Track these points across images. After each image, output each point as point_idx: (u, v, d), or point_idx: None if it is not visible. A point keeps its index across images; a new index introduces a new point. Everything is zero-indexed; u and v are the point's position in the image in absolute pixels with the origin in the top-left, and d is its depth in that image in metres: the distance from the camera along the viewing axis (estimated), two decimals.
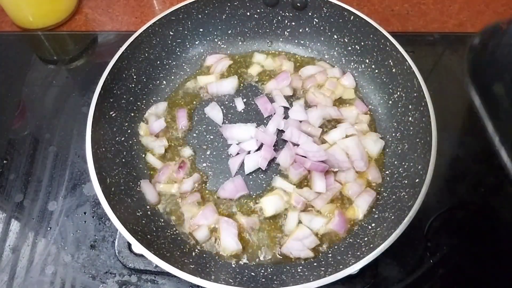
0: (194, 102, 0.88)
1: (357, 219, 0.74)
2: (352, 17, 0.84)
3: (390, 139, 0.82)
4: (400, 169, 0.76)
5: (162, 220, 0.75)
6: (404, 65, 0.77)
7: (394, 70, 0.81)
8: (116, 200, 0.69)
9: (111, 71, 0.77)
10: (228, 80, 0.89)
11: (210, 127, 0.86)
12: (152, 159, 0.81)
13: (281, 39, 0.95)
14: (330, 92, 0.87)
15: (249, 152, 0.81)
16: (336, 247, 0.72)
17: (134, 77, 0.84)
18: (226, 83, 0.89)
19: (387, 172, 0.79)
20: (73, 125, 0.90)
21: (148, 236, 0.68)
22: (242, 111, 0.87)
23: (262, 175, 0.80)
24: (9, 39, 1.06)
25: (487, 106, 0.79)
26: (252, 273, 0.69)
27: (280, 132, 0.84)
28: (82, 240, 0.77)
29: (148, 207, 0.75)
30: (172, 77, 0.91)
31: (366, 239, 0.69)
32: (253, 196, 0.78)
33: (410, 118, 0.78)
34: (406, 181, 0.73)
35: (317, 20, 0.89)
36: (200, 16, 0.89)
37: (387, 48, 0.80)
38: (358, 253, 0.65)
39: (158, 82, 0.89)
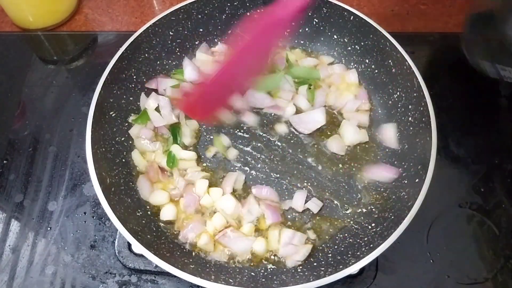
0: None
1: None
2: (352, 17, 0.84)
3: None
4: (400, 169, 0.76)
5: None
6: (404, 65, 0.77)
7: (394, 70, 0.81)
8: (116, 200, 0.69)
9: (111, 71, 0.77)
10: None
11: (210, 127, 0.86)
12: (138, 158, 0.79)
13: (280, 39, 0.95)
14: (335, 88, 0.87)
15: None
16: (336, 247, 0.72)
17: (134, 77, 0.84)
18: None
19: None
20: (73, 125, 0.90)
21: (148, 236, 0.68)
22: None
23: None
24: (9, 39, 1.05)
25: None
26: (252, 273, 0.69)
27: None
28: (82, 240, 0.77)
29: (148, 207, 0.76)
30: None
31: (366, 239, 0.69)
32: None
33: (410, 118, 0.78)
34: (406, 181, 0.73)
35: (317, 20, 0.89)
36: (200, 16, 0.88)
37: (387, 48, 0.80)
38: (358, 253, 0.65)
39: None
